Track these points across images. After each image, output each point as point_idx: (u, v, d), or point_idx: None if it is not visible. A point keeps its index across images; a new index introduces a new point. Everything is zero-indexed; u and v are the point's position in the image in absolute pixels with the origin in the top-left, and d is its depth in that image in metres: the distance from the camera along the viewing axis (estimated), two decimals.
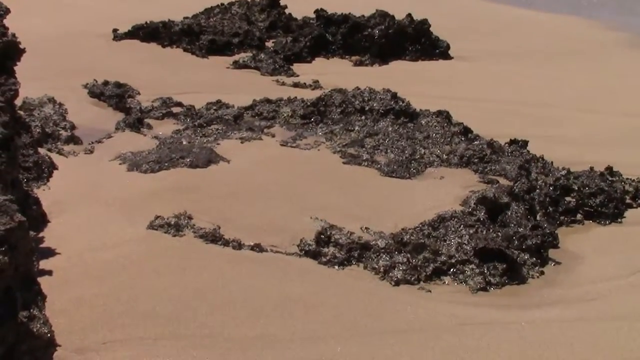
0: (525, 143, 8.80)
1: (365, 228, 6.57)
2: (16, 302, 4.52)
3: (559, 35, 17.83)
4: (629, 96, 12.51)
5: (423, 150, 8.24)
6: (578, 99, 12.20)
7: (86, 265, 5.66)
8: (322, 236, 6.37)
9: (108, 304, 5.17)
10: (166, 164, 7.59)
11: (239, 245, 6.20)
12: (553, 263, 6.68)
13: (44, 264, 5.47)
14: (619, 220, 7.72)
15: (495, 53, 16.18)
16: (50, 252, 5.78)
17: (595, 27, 19.16)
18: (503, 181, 7.80)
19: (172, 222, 6.35)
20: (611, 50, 16.64)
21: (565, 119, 11.04)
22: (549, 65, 14.88)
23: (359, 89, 9.61)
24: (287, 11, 16.09)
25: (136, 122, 9.02)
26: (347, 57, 14.72)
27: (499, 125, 10.30)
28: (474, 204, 6.96)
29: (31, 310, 4.56)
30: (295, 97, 9.81)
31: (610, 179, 8.14)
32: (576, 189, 7.78)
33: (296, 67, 13.45)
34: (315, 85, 12.18)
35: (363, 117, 9.06)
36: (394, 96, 9.38)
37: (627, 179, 8.28)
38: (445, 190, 7.38)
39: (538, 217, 7.30)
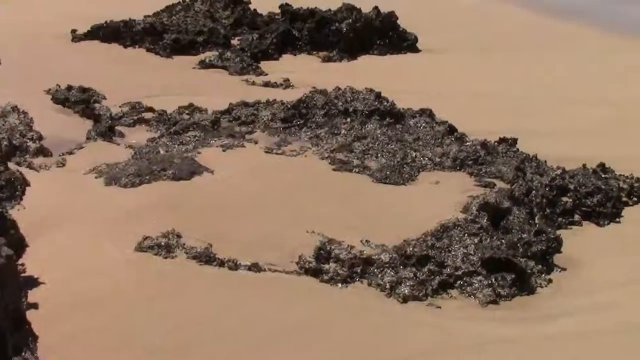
0: (514, 141, 8.55)
1: (366, 241, 6.24)
2: (7, 346, 4.13)
3: (525, 25, 17.60)
4: (606, 85, 12.31)
5: (414, 154, 7.93)
6: (556, 89, 11.96)
7: (74, 295, 5.28)
8: (322, 252, 6.03)
9: (102, 339, 4.81)
10: (147, 177, 7.19)
11: (235, 266, 5.84)
12: (559, 269, 6.41)
13: (29, 296, 5.06)
14: (617, 219, 7.46)
15: (462, 44, 15.87)
16: (33, 282, 5.38)
17: (558, 16, 19.00)
18: (499, 183, 7.52)
19: (162, 243, 5.98)
20: (580, 38, 16.48)
21: (546, 111, 10.78)
22: (518, 56, 14.62)
23: (340, 89, 9.25)
24: (251, 7, 15.68)
25: (107, 131, 8.61)
26: (314, 52, 14.33)
27: (480, 121, 10.01)
28: (476, 210, 6.66)
29: (23, 353, 4.18)
30: (274, 100, 9.43)
31: (604, 176, 7.89)
32: (572, 188, 7.51)
33: (264, 65, 13.04)
34: (287, 84, 11.82)
35: (348, 119, 8.72)
36: (378, 96, 9.05)
37: (621, 175, 8.03)
38: (443, 196, 7.09)
39: (537, 220, 7.03)
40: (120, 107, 9.65)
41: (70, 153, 8.10)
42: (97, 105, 9.75)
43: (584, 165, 7.94)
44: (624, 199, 7.76)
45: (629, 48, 15.27)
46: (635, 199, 7.79)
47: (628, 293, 6.05)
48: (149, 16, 14.78)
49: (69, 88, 10.26)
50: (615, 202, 7.51)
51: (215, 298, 5.36)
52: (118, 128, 8.81)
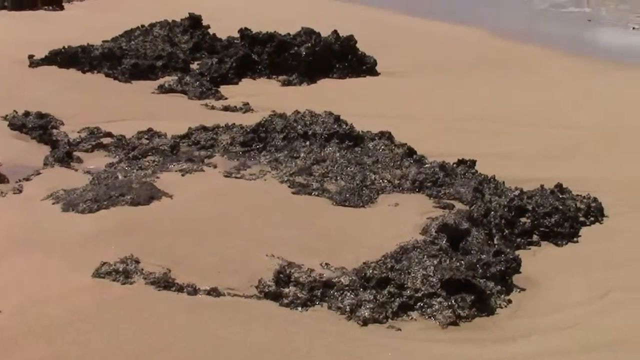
0: (473, 163, 8.58)
1: (326, 264, 6.22)
2: None
3: (485, 48, 17.76)
4: (564, 108, 12.45)
5: (374, 176, 7.93)
6: (514, 111, 12.08)
7: (30, 323, 5.18)
8: (281, 275, 6.01)
9: None
10: (105, 203, 7.11)
11: (194, 291, 5.79)
12: (518, 290, 6.43)
13: None
14: (575, 239, 7.52)
15: (419, 67, 16.00)
16: None
17: (519, 39, 19.17)
18: (458, 205, 7.55)
19: (120, 269, 5.91)
20: (540, 61, 16.65)
21: (504, 133, 10.88)
22: (477, 78, 14.75)
23: (299, 112, 9.26)
24: (210, 31, 15.67)
25: (65, 156, 8.52)
26: (274, 76, 14.34)
27: (439, 143, 10.07)
28: (435, 232, 6.68)
29: None
30: (234, 124, 9.40)
31: (561, 196, 7.96)
32: (530, 209, 7.57)
33: (224, 90, 13.03)
34: (246, 108, 11.81)
35: (307, 143, 8.71)
36: (337, 119, 9.07)
37: (578, 195, 8.11)
38: (403, 218, 7.08)
39: (496, 241, 7.06)
40: (78, 132, 9.57)
41: (27, 179, 8.01)
42: (54, 131, 9.66)
43: (542, 186, 8.01)
44: (581, 218, 7.84)
45: (589, 71, 15.48)
46: (592, 218, 7.87)
47: (587, 312, 6.08)
48: (107, 41, 14.72)
49: (26, 114, 10.17)
50: (572, 222, 7.58)
51: (175, 323, 5.29)
52: (76, 154, 8.73)
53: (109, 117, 10.53)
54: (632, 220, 7.88)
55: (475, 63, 16.19)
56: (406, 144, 8.97)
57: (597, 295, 6.35)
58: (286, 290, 5.92)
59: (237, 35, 15.13)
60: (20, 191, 7.68)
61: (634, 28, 21.25)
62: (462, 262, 6.37)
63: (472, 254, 6.59)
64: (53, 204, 7.25)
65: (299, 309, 5.81)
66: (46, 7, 20.19)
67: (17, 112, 10.27)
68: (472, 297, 6.07)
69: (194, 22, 15.66)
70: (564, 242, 7.42)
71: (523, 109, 12.35)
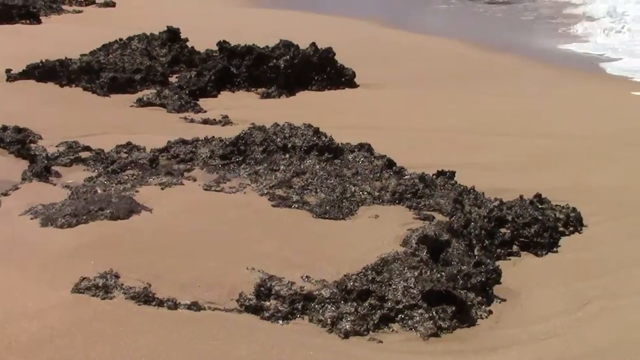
0: (452, 174, 8.60)
1: (307, 276, 6.20)
2: None
3: (463, 59, 17.83)
4: (543, 118, 12.52)
5: (353, 188, 7.92)
6: (493, 122, 12.13)
7: (8, 339, 5.13)
8: (262, 288, 5.99)
9: None
10: (84, 217, 7.07)
11: (174, 305, 5.75)
12: (499, 300, 6.45)
13: None
14: (555, 249, 7.55)
15: (398, 79, 16.02)
16: None
17: (497, 50, 19.26)
18: (438, 216, 7.56)
19: (100, 284, 5.86)
20: (512, 71, 16.75)
21: (484, 144, 10.92)
22: (456, 89, 14.80)
23: (278, 125, 9.25)
24: (188, 44, 15.65)
25: (43, 171, 8.45)
26: (253, 89, 14.32)
27: (418, 154, 10.11)
28: (416, 243, 6.69)
29: None
30: (213, 137, 9.37)
31: (541, 206, 8.00)
32: (510, 219, 7.59)
33: (203, 103, 12.99)
34: (225, 120, 11.78)
35: (287, 155, 8.70)
36: (316, 131, 9.06)
37: (557, 205, 8.15)
38: (383, 230, 7.08)
39: (476, 252, 7.08)
40: (56, 146, 9.50)
41: (5, 194, 7.94)
42: (32, 145, 9.59)
43: (521, 197, 8.04)
44: (561, 228, 7.86)
45: (566, 82, 15.59)
46: (571, 228, 7.90)
47: (567, 322, 6.10)
48: (85, 55, 14.67)
49: (4, 128, 10.09)
50: (552, 232, 7.61)
51: (155, 338, 5.26)
52: (54, 168, 8.65)
53: (88, 131, 10.47)
54: (611, 230, 7.93)
55: (454, 74, 16.27)
56: (385, 155, 8.99)
57: (577, 305, 6.38)
58: (267, 303, 5.90)
59: (215, 48, 15.12)
60: None
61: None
62: (443, 273, 6.37)
63: (453, 265, 6.59)
64: (31, 218, 7.19)
65: (280, 322, 5.79)
66: (23, 21, 20.09)
67: None
68: (453, 308, 6.08)
69: (172, 35, 15.63)
70: (543, 252, 7.44)
71: (502, 118, 12.41)
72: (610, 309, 6.29)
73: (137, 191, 7.83)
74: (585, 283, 6.78)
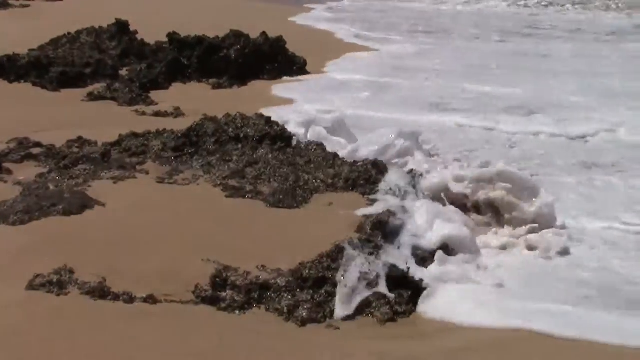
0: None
1: (262, 266, 6.19)
2: None
3: None
4: None
5: (307, 176, 7.92)
6: None
7: None
8: (218, 279, 5.98)
9: None
10: (37, 214, 7.00)
11: (130, 299, 5.72)
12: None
13: None
14: None
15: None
16: None
17: None
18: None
19: (54, 280, 5.81)
20: None
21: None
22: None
23: (230, 115, 9.24)
24: (138, 37, 15.55)
25: None
26: (204, 80, 14.32)
27: None
28: (370, 229, 6.72)
29: None
30: (165, 129, 9.32)
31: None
32: None
33: (154, 95, 12.95)
34: (177, 112, 11.76)
35: (239, 146, 8.69)
36: (268, 121, 9.06)
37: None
38: (337, 217, 7.09)
39: None
40: (7, 143, 9.38)
41: None
42: None
43: None
44: None
45: None
46: None
47: None
48: (33, 50, 14.52)
49: None
50: None
51: (112, 333, 5.24)
52: (5, 165, 8.54)
53: (38, 127, 10.37)
54: None
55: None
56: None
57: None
58: (223, 294, 5.90)
59: (165, 39, 15.05)
60: None
61: None
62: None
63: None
64: None
65: (237, 312, 5.79)
66: None
67: None
68: (409, 292, 6.16)
69: (122, 27, 15.55)
70: None
71: None
72: None
73: (89, 186, 7.76)
74: None
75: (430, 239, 6.81)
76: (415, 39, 21.15)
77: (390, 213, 6.97)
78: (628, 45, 20.34)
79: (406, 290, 6.18)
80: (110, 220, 7.00)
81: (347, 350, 5.33)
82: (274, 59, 14.98)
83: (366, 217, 6.96)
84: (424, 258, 6.59)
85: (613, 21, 25.56)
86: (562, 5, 29.84)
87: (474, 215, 7.80)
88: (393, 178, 7.83)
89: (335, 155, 8.56)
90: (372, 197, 7.53)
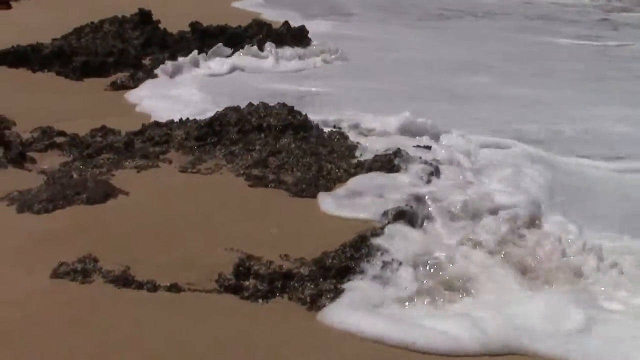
0: (428, 147, 8.62)
1: (285, 255, 6.20)
2: None
3: None
4: None
5: (329, 166, 7.92)
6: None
7: None
8: (241, 268, 5.99)
9: None
10: (61, 202, 7.04)
11: (154, 287, 5.74)
12: None
13: None
14: None
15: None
16: None
17: None
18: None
19: (78, 268, 5.84)
20: None
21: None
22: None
23: (252, 104, 9.24)
24: (161, 26, 15.57)
25: (18, 157, 8.38)
26: None
27: None
28: (393, 218, 6.71)
29: None
30: (187, 119, 9.34)
31: None
32: None
33: None
34: None
35: (262, 135, 8.69)
36: (291, 110, 9.06)
37: None
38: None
39: None
40: (31, 132, 9.42)
41: None
42: (6, 131, 9.52)
43: None
44: None
45: None
46: None
47: None
48: (57, 39, 14.56)
49: None
50: None
51: (135, 321, 5.26)
52: (29, 154, 8.59)
53: (61, 116, 10.39)
54: None
55: None
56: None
57: None
58: (246, 283, 5.90)
59: (188, 29, 15.06)
60: None
61: None
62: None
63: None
64: (8, 205, 7.15)
65: (260, 301, 5.79)
66: None
67: None
68: None
69: (144, 17, 15.56)
70: None
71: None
72: None
73: (113, 175, 7.80)
74: None
75: None
76: None
77: (412, 202, 6.95)
78: None
79: None
80: (134, 209, 7.03)
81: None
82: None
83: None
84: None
85: None
86: None
87: None
88: (415, 168, 7.80)
89: (358, 144, 8.55)
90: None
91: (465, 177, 7.92)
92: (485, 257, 6.39)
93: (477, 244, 6.53)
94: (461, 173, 8.06)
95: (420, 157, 8.13)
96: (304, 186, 7.53)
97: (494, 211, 7.04)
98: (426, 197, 7.17)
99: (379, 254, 6.19)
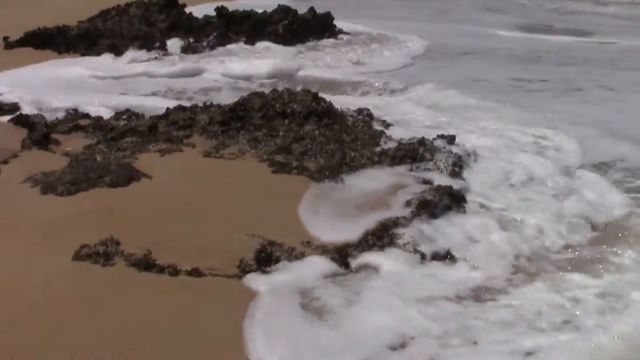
0: (452, 138, 8.56)
1: (307, 242, 6.19)
2: None
3: None
4: None
5: (353, 153, 7.89)
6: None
7: (11, 308, 5.14)
8: (262, 254, 5.98)
9: (41, 353, 4.68)
10: (84, 185, 7.06)
11: (175, 272, 5.74)
12: None
13: None
14: None
15: None
16: None
17: None
18: (438, 180, 7.52)
19: (101, 251, 5.85)
20: None
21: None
22: None
23: (277, 90, 9.23)
24: (186, 10, 15.57)
25: (43, 139, 8.40)
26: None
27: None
28: (415, 208, 6.69)
29: None
30: (211, 103, 9.34)
31: None
32: None
33: None
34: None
35: (286, 121, 8.67)
36: (315, 97, 9.03)
37: None
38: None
39: None
40: (55, 114, 9.47)
41: (5, 162, 7.92)
42: (31, 113, 9.56)
43: None
44: None
45: None
46: None
47: None
48: (83, 22, 14.61)
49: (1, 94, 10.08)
50: None
51: (156, 305, 5.27)
52: (54, 136, 8.62)
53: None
54: None
55: None
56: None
57: None
58: (268, 269, 5.89)
59: (213, 14, 15.05)
60: None
61: None
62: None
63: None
64: (32, 187, 7.18)
65: None
66: None
67: None
68: None
69: (170, 1, 15.55)
70: None
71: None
72: None
73: (136, 158, 7.82)
74: None
75: None
76: None
77: (436, 192, 6.92)
78: None
79: None
80: (156, 193, 7.04)
81: None
82: (321, 35, 14.94)
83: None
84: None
85: None
86: None
87: None
88: (440, 157, 7.77)
89: (382, 132, 8.52)
90: (418, 174, 7.47)
91: None
92: None
93: None
94: None
95: (444, 147, 8.07)
96: (327, 173, 7.50)
97: None
98: None
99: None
